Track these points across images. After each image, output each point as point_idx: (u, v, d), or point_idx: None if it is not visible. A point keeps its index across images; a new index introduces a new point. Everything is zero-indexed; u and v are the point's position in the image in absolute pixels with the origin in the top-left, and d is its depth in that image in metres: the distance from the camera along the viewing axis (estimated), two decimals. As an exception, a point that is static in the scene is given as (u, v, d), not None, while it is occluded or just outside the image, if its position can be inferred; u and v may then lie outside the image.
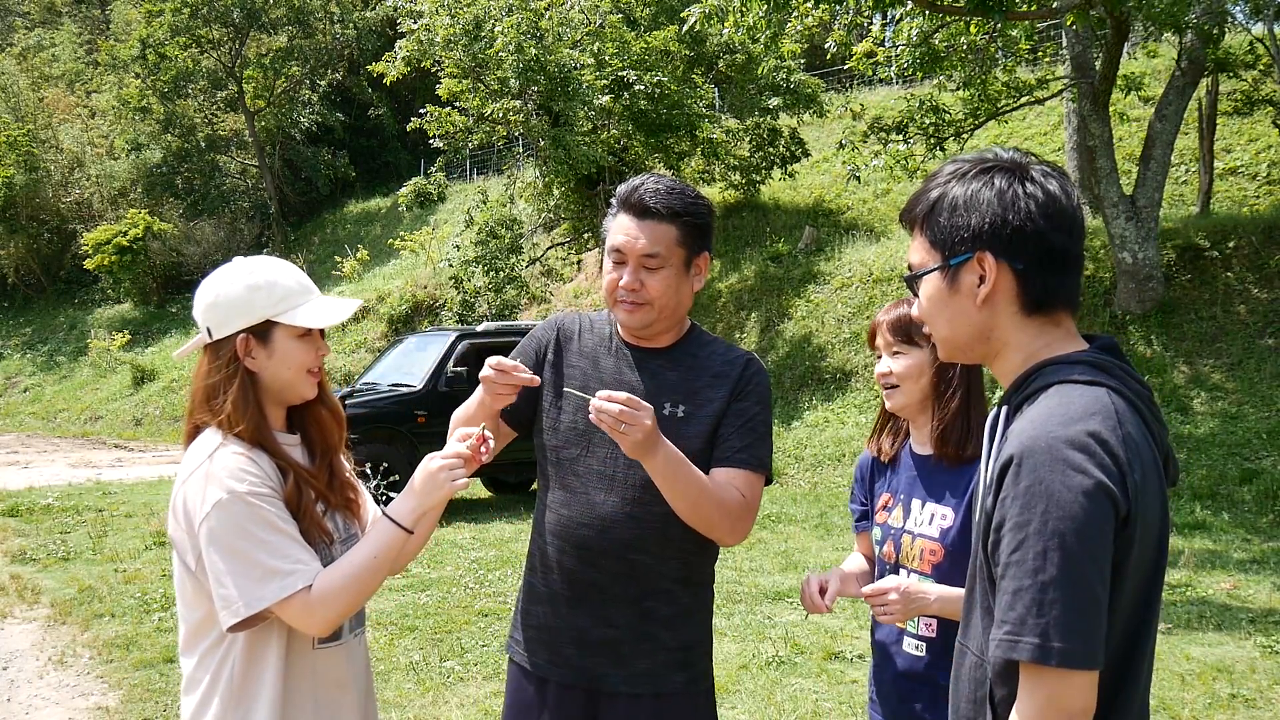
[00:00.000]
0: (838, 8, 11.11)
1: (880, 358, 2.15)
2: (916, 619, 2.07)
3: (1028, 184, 1.36)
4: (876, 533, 2.20)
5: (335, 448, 1.93)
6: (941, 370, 2.05)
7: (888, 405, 2.16)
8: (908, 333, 2.07)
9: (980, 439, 1.75)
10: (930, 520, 2.07)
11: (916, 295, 1.48)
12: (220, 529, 1.68)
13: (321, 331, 1.88)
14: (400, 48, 15.40)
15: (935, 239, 1.41)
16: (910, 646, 2.10)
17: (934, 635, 2.05)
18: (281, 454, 1.80)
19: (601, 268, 2.13)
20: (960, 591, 1.88)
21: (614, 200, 2.12)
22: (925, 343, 2.00)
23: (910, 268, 1.47)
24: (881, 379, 2.13)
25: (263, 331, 1.79)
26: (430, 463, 1.78)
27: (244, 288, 1.79)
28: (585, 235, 17.81)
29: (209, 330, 1.81)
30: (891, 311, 2.13)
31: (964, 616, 1.47)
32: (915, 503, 2.10)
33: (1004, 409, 1.42)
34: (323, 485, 1.86)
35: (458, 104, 16.11)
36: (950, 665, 1.50)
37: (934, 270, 1.41)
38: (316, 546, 1.78)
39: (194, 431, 1.82)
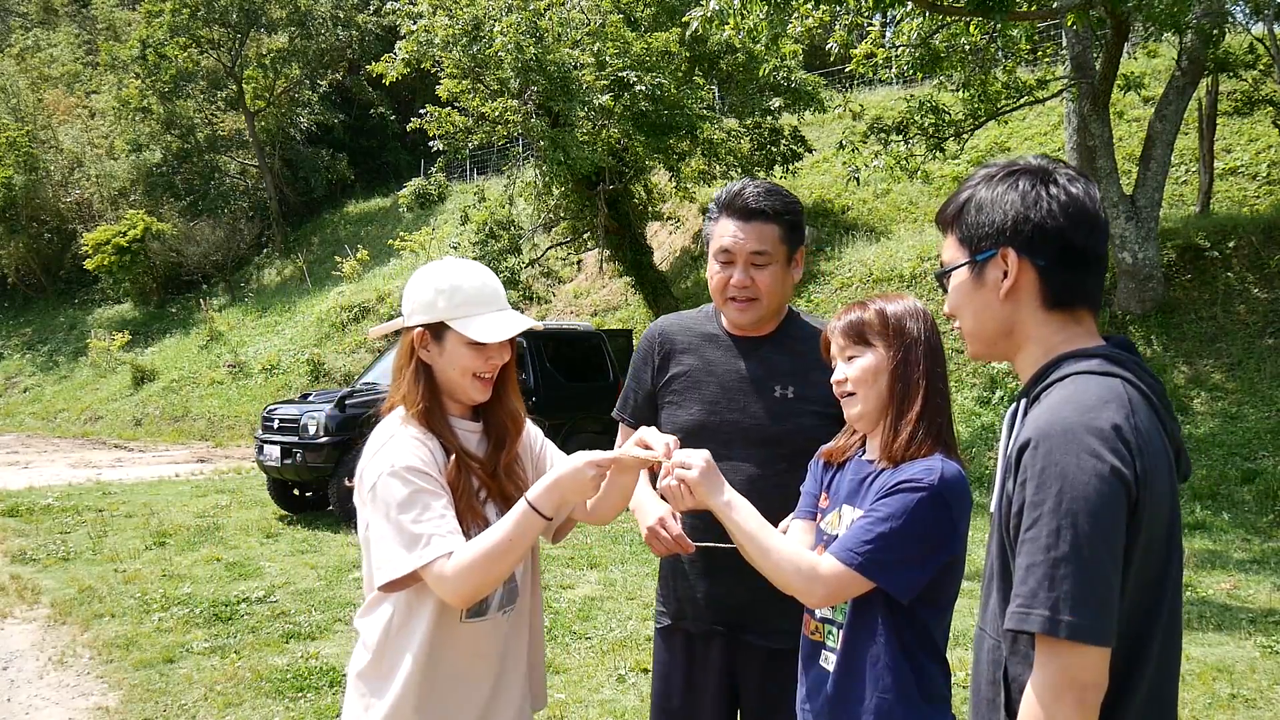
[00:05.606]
0: (838, 9, 11.09)
1: (835, 367, 1.96)
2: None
3: (1051, 186, 1.44)
4: (816, 533, 2.02)
5: (507, 444, 2.07)
6: (901, 373, 1.86)
7: (846, 416, 1.96)
8: (860, 333, 1.90)
9: (930, 449, 1.79)
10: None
11: (947, 291, 1.55)
12: (382, 497, 1.85)
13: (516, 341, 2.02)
14: (400, 48, 15.37)
15: (963, 237, 1.50)
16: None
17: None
18: (448, 438, 1.97)
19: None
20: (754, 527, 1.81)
21: (713, 205, 2.27)
22: (881, 344, 1.87)
23: (941, 265, 1.56)
24: (836, 387, 1.94)
25: (438, 331, 1.96)
26: (581, 463, 1.83)
27: (432, 289, 1.96)
28: (585, 235, 17.76)
29: (405, 316, 2.01)
30: (844, 316, 1.94)
31: (982, 601, 1.51)
32: (846, 508, 1.92)
33: (1022, 402, 1.47)
34: (486, 473, 2.00)
35: (457, 104, 16.09)
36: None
37: (962, 265, 1.50)
38: (469, 529, 1.90)
39: (388, 410, 2.02)
